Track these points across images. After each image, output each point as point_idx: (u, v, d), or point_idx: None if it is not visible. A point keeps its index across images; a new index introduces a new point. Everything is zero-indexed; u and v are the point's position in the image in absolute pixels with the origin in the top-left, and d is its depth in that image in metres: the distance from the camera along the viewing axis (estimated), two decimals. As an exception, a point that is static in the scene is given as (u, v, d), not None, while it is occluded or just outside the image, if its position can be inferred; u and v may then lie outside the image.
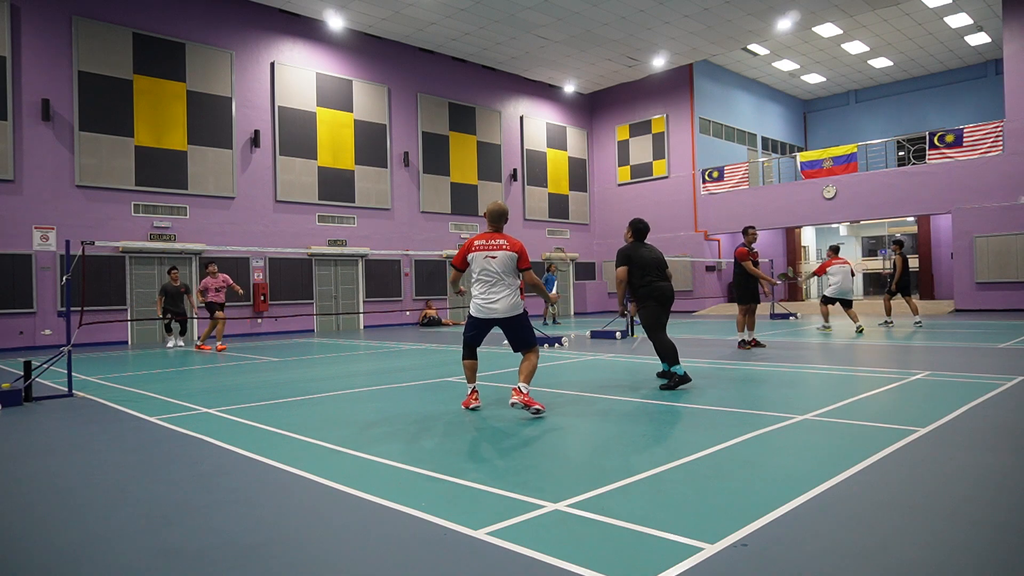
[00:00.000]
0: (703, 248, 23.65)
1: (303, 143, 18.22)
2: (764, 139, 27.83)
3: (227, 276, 13.05)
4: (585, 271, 25.73)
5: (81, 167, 14.72)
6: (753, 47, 23.41)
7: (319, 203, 18.49)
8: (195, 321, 16.00)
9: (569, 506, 3.09)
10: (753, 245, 10.10)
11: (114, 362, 10.90)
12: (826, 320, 13.32)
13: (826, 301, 13.10)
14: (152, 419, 5.61)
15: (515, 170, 23.60)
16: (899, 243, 13.91)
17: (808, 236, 28.11)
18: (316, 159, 18.47)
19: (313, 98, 18.48)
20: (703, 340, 12.18)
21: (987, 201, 18.26)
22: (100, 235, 14.68)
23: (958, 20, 21.14)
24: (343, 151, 19.03)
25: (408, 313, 20.22)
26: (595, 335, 13.54)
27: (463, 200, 21.97)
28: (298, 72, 18.20)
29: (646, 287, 6.70)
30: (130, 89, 15.43)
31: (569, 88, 25.35)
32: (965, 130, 18.89)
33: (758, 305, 10.24)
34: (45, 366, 7.28)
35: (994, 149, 18.32)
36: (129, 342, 15.32)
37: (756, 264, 10.04)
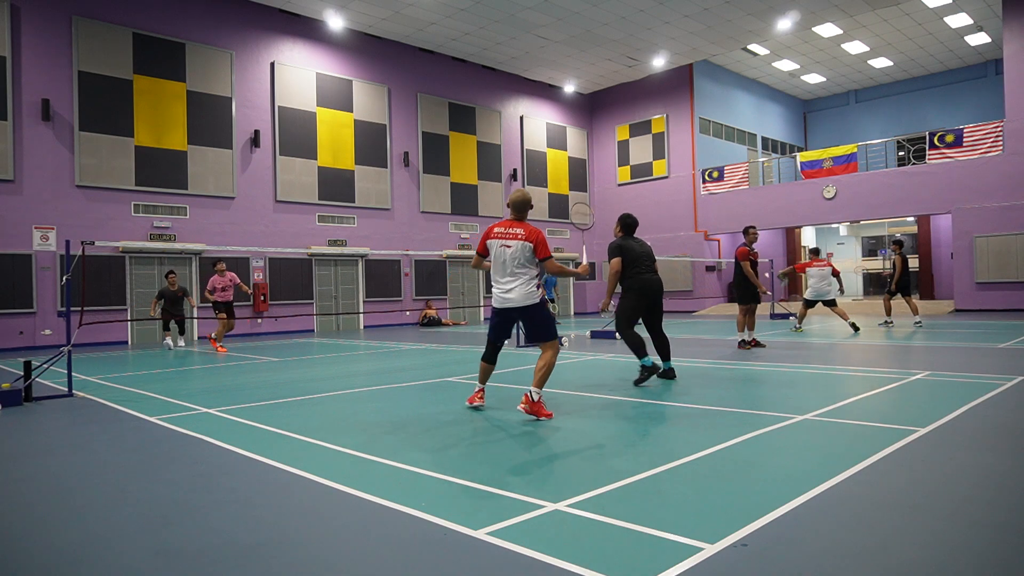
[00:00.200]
0: (703, 248, 23.65)
1: (303, 143, 18.22)
2: (764, 139, 27.83)
3: (235, 275, 12.92)
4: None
5: (81, 167, 14.72)
6: (753, 47, 23.41)
7: (319, 203, 18.50)
8: (195, 322, 16.00)
9: (569, 506, 3.08)
10: (753, 245, 10.12)
11: (114, 362, 10.90)
12: (799, 321, 13.38)
13: (807, 304, 13.35)
14: (152, 419, 5.61)
15: (515, 170, 23.60)
16: (899, 243, 13.93)
17: (808, 236, 28.11)
18: (316, 159, 18.47)
19: (313, 98, 18.49)
20: (703, 340, 12.18)
21: (987, 201, 18.26)
22: (100, 235, 14.68)
23: (958, 20, 21.15)
24: (343, 151, 19.03)
25: (408, 313, 20.22)
26: (595, 335, 13.54)
27: (463, 200, 21.97)
28: (298, 72, 18.21)
29: (632, 278, 6.86)
30: (130, 89, 15.43)
31: (569, 88, 25.36)
32: (965, 130, 18.89)
33: (758, 305, 10.25)
34: (45, 366, 7.28)
35: (994, 149, 18.32)
36: (129, 342, 15.32)
37: (756, 264, 10.07)
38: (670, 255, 23.12)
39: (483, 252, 5.53)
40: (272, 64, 17.75)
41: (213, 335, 12.82)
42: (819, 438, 4.37)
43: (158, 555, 2.68)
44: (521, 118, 23.92)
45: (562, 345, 11.58)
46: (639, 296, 6.89)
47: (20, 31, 14.12)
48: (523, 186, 23.80)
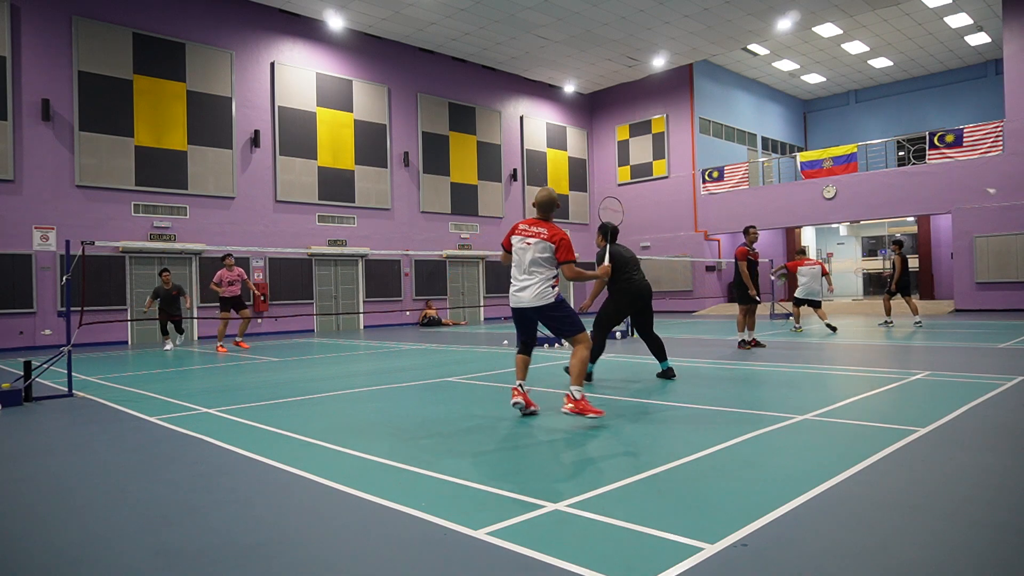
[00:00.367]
0: (703, 248, 23.65)
1: (303, 143, 18.22)
2: (764, 139, 27.83)
3: (243, 271, 12.76)
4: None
5: (81, 167, 14.72)
6: (753, 47, 23.41)
7: (319, 203, 18.50)
8: (194, 321, 16.00)
9: (569, 506, 3.08)
10: (754, 245, 10.12)
11: (114, 362, 10.90)
12: (797, 321, 13.54)
13: (797, 303, 13.60)
14: (152, 419, 5.61)
15: (515, 170, 23.60)
16: (899, 243, 13.95)
17: (808, 236, 28.11)
18: (316, 159, 18.47)
19: (313, 98, 18.49)
20: (703, 340, 12.18)
21: (987, 201, 18.26)
22: (100, 235, 14.67)
23: (958, 20, 21.14)
24: (343, 151, 19.03)
25: (408, 313, 20.22)
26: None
27: (463, 200, 21.97)
28: (298, 72, 18.21)
29: (624, 282, 7.02)
30: (130, 89, 15.43)
31: (569, 88, 25.36)
32: (965, 130, 18.89)
33: (758, 305, 10.25)
34: (45, 366, 7.28)
35: (994, 149, 18.32)
36: (129, 342, 15.32)
37: (756, 263, 10.06)
38: (670, 255, 23.13)
39: (508, 247, 5.46)
40: (272, 64, 17.75)
41: (238, 337, 12.91)
42: (819, 438, 4.37)
43: (158, 555, 2.68)
44: (521, 118, 23.92)
45: (563, 345, 11.56)
46: (631, 300, 7.06)
47: (20, 31, 14.12)
48: (523, 186, 23.82)
